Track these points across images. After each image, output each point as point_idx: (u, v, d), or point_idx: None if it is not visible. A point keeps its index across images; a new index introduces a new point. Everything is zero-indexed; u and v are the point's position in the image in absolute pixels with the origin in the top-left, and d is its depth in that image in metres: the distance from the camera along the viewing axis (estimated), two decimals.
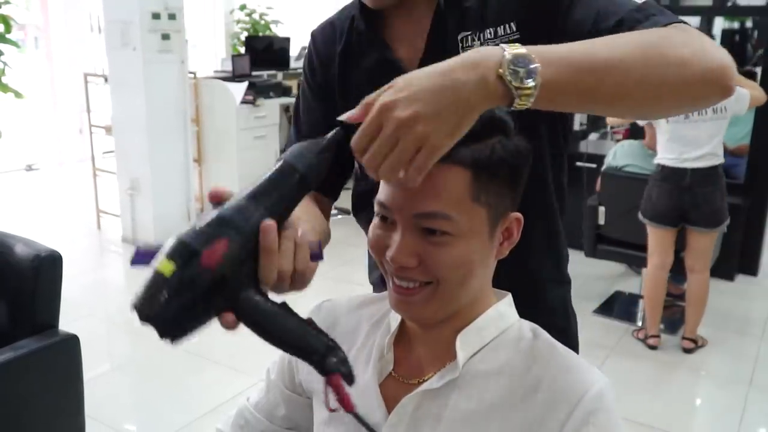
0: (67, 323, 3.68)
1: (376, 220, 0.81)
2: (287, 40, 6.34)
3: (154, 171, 4.54)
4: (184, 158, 4.72)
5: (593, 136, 5.59)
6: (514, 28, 0.96)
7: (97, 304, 4.02)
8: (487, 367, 0.82)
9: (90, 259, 4.79)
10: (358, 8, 1.06)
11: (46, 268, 1.77)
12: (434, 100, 0.66)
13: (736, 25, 8.33)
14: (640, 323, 3.72)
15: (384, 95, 0.67)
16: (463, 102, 0.67)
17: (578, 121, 5.04)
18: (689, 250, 3.34)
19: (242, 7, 7.82)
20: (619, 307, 4.01)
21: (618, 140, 4.64)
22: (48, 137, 7.74)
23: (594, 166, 4.20)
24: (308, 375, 0.96)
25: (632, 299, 4.04)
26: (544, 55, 0.70)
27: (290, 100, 5.77)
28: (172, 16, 4.42)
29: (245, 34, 7.61)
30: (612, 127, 5.83)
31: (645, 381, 3.22)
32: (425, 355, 0.86)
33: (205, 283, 0.64)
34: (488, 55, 0.69)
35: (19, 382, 1.69)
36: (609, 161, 3.74)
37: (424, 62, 0.90)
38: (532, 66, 0.69)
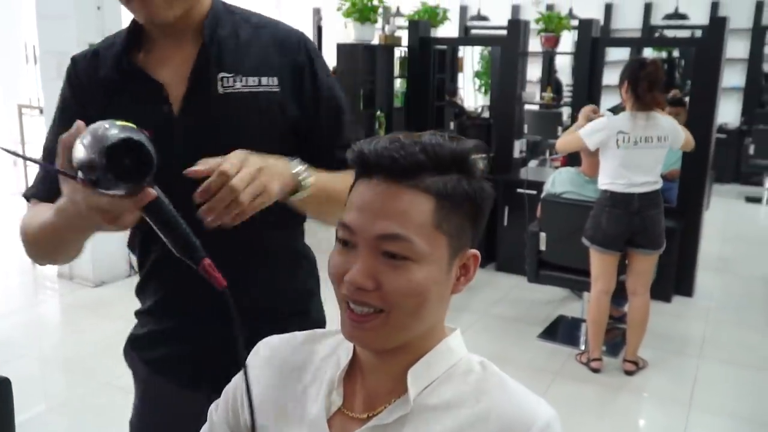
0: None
1: (337, 247, 0.82)
2: None
3: None
4: None
5: (533, 163, 5.74)
6: (276, 83, 1.17)
7: (32, 343, 3.86)
8: (436, 401, 0.83)
9: (25, 297, 4.62)
10: (123, 35, 1.18)
11: None
12: (265, 166, 0.99)
13: (664, 54, 8.73)
14: (582, 347, 3.79)
15: (224, 164, 0.94)
16: (279, 174, 1.02)
17: (518, 148, 5.16)
18: (632, 273, 3.44)
19: None
20: (562, 331, 4.08)
21: (556, 167, 4.76)
22: None
23: (534, 192, 4.29)
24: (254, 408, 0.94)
25: (575, 323, 4.12)
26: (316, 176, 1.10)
27: None
28: None
29: None
30: (551, 155, 6.00)
31: (589, 404, 3.28)
32: (376, 389, 0.86)
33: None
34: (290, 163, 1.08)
35: None
36: (548, 188, 3.83)
37: (189, 92, 1.14)
38: (310, 178, 1.08)
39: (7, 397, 1.75)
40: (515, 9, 9.31)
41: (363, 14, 4.99)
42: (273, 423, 0.91)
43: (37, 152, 4.57)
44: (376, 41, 5.33)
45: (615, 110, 3.81)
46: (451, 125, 7.05)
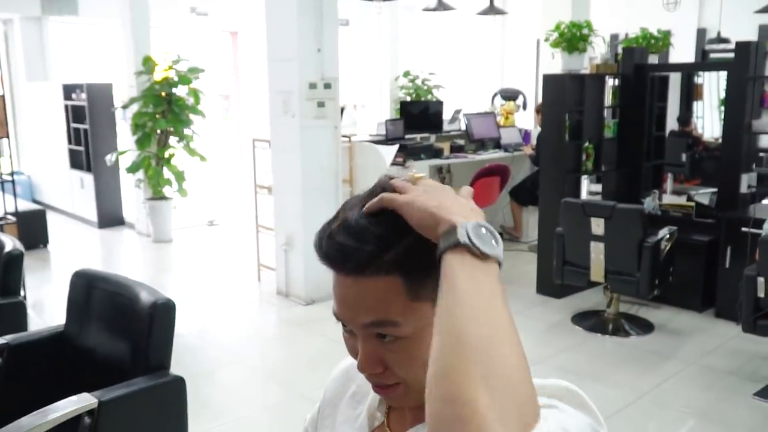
0: (216, 368, 3.99)
1: (343, 328, 0.83)
2: (441, 103, 6.52)
3: (306, 228, 4.83)
4: None
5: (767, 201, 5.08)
6: None
7: (247, 352, 4.31)
8: None
9: (248, 310, 5.16)
10: None
11: (160, 315, 1.96)
12: None
13: None
14: None
15: None
16: None
17: (746, 183, 4.63)
18: None
19: (406, 74, 8.21)
20: None
21: None
22: (227, 196, 8.57)
23: (761, 232, 3.82)
24: None
25: None
26: None
27: (442, 162, 5.89)
28: (327, 86, 4.76)
29: (409, 98, 7.95)
30: None
31: None
32: (411, 410, 0.87)
33: None
34: None
35: (130, 416, 1.88)
36: (767, 227, 3.39)
37: None
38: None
39: (182, 393, 1.99)
40: (763, 29, 8.37)
41: (571, 44, 4.87)
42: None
43: (270, 180, 4.99)
44: (588, 70, 5.16)
45: None
46: (683, 157, 6.57)
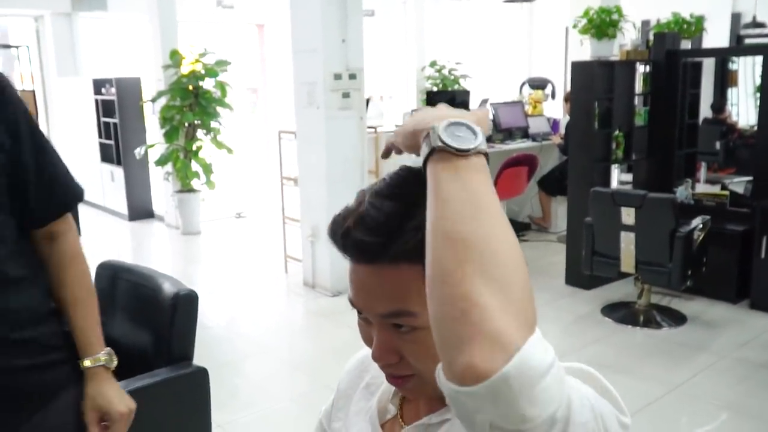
0: (243, 359, 4.01)
1: (358, 315, 0.82)
2: (467, 93, 6.45)
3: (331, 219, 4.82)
4: None
5: None
6: None
7: (274, 342, 4.32)
8: None
9: (275, 301, 5.18)
10: None
11: (183, 306, 1.96)
12: None
13: None
14: None
15: None
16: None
17: None
18: None
19: (432, 64, 8.14)
20: None
21: None
22: (254, 188, 8.61)
23: None
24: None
25: None
26: None
27: None
28: (352, 76, 4.73)
29: (435, 88, 7.89)
30: None
31: None
32: (425, 402, 0.87)
33: None
34: None
35: (153, 407, 1.88)
36: None
37: None
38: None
39: (205, 384, 1.99)
40: None
41: (601, 30, 4.77)
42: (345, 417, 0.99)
43: (296, 172, 5.00)
44: (618, 57, 5.06)
45: None
46: (717, 145, 6.44)
